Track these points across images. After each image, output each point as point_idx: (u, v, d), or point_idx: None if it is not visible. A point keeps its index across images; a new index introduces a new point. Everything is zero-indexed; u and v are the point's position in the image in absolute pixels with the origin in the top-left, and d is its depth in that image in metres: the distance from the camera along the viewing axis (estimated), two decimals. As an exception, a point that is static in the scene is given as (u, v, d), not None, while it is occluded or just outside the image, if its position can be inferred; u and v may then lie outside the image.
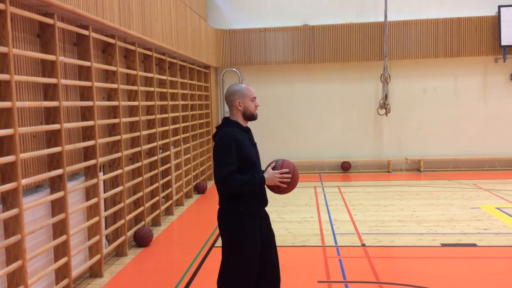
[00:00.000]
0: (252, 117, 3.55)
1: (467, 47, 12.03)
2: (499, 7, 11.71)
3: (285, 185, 3.42)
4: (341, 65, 12.54)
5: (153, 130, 7.55)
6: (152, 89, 7.53)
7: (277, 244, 3.68)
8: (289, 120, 12.85)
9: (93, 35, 5.46)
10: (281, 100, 12.81)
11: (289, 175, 3.42)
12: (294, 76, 12.82)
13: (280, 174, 3.40)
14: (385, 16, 11.82)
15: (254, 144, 3.59)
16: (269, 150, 11.42)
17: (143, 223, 6.90)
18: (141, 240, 6.47)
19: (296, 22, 12.58)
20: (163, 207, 8.07)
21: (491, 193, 9.42)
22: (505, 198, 8.97)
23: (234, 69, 12.75)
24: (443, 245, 6.25)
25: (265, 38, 12.48)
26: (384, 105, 12.00)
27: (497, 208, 8.13)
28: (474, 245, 6.22)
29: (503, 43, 11.68)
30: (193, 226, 8.05)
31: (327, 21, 12.42)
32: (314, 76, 12.77)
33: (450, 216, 7.69)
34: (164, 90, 8.29)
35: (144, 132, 7.17)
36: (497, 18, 11.76)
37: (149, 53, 7.52)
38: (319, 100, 12.79)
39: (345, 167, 12.70)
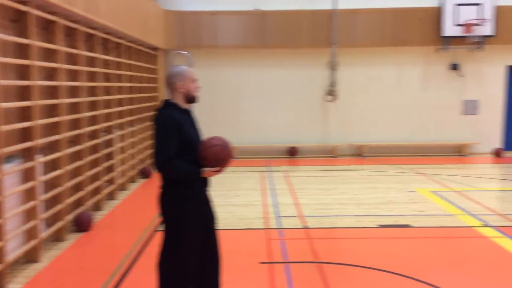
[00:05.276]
0: (193, 99, 3.58)
1: (411, 36, 12.42)
2: (442, -2, 12.17)
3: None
4: (291, 51, 12.65)
5: (96, 112, 7.37)
6: (96, 69, 7.33)
7: (221, 227, 3.75)
8: (237, 104, 12.87)
9: (33, 11, 5.24)
10: (230, 84, 12.80)
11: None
12: (244, 61, 12.81)
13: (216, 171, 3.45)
14: (335, 3, 11.99)
15: (196, 126, 3.60)
16: (213, 134, 11.32)
17: (84, 207, 6.76)
18: (82, 225, 6.35)
19: (247, 7, 12.53)
20: (105, 191, 7.92)
21: (427, 178, 9.89)
22: (440, 182, 9.45)
23: (183, 52, 12.58)
24: (381, 226, 6.53)
25: (216, 22, 12.37)
26: (331, 92, 12.25)
27: (432, 192, 8.56)
28: (409, 226, 6.55)
29: (444, 33, 12.17)
30: (136, 210, 7.95)
31: (278, 6, 12.45)
32: (264, 61, 12.81)
33: (388, 199, 8.02)
34: (109, 71, 8.08)
35: (87, 114, 6.99)
36: (440, 9, 12.21)
37: (94, 32, 7.30)
38: (268, 85, 12.88)
39: (292, 152, 12.91)
